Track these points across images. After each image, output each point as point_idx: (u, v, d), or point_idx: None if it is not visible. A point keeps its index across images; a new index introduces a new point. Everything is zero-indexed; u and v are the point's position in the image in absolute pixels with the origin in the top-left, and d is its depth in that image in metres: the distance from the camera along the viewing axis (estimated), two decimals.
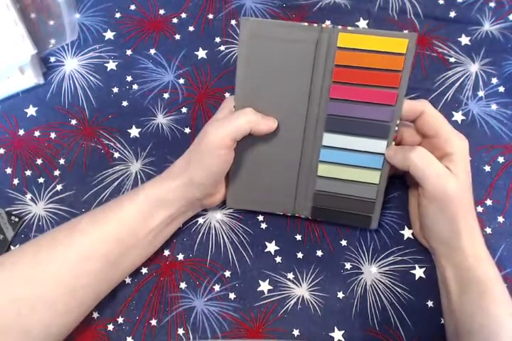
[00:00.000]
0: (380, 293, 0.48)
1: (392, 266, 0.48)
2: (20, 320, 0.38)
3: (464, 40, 0.53)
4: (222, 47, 0.54)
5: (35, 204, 0.51)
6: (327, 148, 0.45)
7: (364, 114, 0.43)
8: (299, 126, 0.45)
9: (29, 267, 0.40)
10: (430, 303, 0.47)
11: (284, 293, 0.48)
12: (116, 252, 0.42)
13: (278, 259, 0.49)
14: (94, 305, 0.44)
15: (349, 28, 0.42)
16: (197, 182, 0.43)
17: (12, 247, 0.49)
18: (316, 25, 0.42)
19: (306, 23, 0.42)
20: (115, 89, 0.53)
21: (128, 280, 0.48)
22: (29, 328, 0.39)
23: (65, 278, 0.40)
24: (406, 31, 0.42)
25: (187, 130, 0.52)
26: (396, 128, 0.43)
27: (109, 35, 0.55)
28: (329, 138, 0.45)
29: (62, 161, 0.52)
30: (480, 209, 0.49)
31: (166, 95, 0.53)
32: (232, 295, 0.48)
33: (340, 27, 0.42)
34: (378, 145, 0.44)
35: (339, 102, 0.44)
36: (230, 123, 0.42)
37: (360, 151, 0.45)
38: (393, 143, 0.44)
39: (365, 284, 0.48)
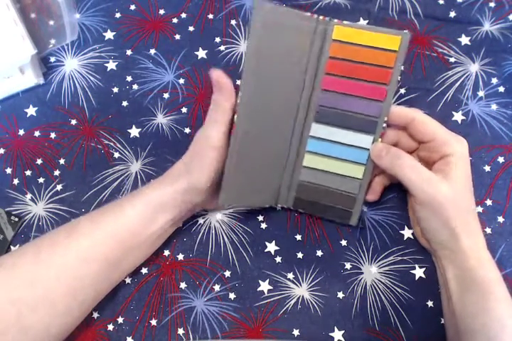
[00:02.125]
0: (380, 293, 0.48)
1: (392, 266, 0.48)
2: (20, 319, 0.38)
3: (464, 40, 0.53)
4: (222, 47, 0.54)
5: (35, 204, 0.51)
6: (315, 138, 0.46)
7: (353, 108, 0.44)
8: (291, 115, 0.45)
9: (29, 268, 0.40)
10: (430, 303, 0.47)
11: (284, 293, 0.48)
12: (116, 254, 0.42)
13: (278, 259, 0.49)
14: (94, 304, 0.44)
15: (345, 21, 0.43)
16: (195, 186, 0.43)
17: (12, 247, 0.49)
18: (315, 16, 0.43)
19: (308, 13, 0.43)
20: (115, 89, 0.53)
21: (128, 280, 0.48)
22: (29, 328, 0.39)
23: (65, 279, 0.40)
24: (406, 31, 0.42)
25: (187, 130, 0.52)
26: (384, 125, 0.44)
27: (109, 35, 0.55)
28: (317, 129, 0.45)
29: (62, 161, 0.52)
30: (480, 209, 0.49)
31: (166, 95, 0.53)
32: (232, 295, 0.48)
33: (336, 20, 0.43)
34: (365, 140, 0.44)
35: (331, 94, 0.44)
36: (217, 121, 0.42)
37: (346, 145, 0.45)
38: (380, 139, 0.44)
39: (365, 284, 0.48)
